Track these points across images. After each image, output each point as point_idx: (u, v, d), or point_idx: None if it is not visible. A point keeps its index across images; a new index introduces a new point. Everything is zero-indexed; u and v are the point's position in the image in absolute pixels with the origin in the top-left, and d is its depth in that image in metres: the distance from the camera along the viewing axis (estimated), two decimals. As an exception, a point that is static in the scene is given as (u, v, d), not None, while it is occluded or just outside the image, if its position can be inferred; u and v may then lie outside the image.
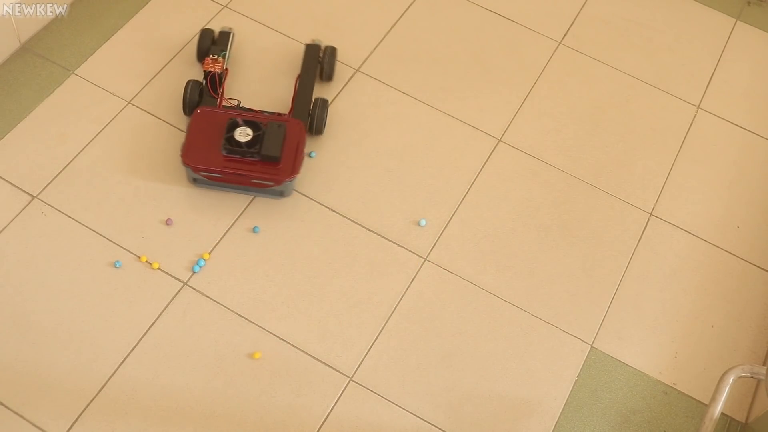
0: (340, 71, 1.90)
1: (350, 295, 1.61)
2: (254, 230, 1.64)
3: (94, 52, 1.88)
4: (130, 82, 1.84)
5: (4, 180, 1.68)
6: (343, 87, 1.88)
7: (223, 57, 1.80)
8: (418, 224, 1.71)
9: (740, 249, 1.77)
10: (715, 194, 1.85)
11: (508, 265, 1.69)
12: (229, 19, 1.96)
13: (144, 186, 1.70)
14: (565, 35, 2.06)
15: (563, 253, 1.71)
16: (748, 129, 1.96)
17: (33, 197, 1.66)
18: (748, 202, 1.84)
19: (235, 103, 1.78)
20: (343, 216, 1.71)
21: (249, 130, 1.64)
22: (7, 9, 1.78)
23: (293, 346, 1.55)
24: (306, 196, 1.73)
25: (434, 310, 1.62)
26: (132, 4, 1.97)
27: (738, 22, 2.15)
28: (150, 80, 1.85)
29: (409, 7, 2.05)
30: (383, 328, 1.59)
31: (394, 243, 1.69)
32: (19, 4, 1.80)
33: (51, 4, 1.89)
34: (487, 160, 1.82)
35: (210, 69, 1.78)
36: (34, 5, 1.84)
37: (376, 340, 1.57)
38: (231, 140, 1.63)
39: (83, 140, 1.74)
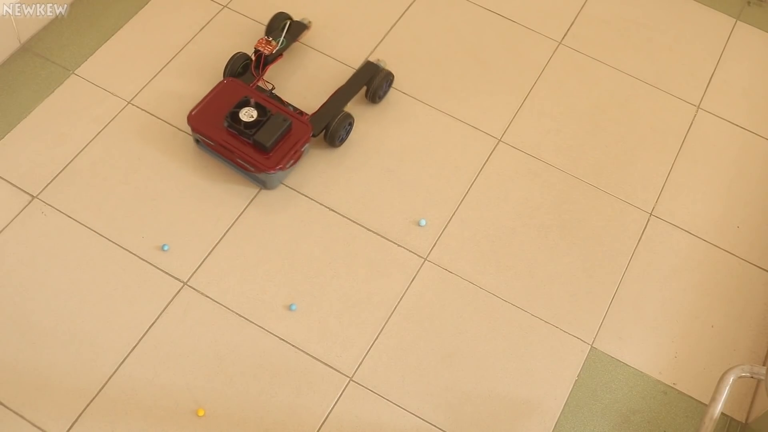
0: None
1: (350, 295, 1.61)
2: (290, 308, 1.60)
3: (94, 52, 1.88)
4: (130, 82, 1.84)
5: (4, 180, 1.68)
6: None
7: (278, 42, 1.81)
8: (418, 224, 1.71)
9: (740, 249, 1.77)
10: (715, 194, 1.85)
11: (508, 265, 1.69)
12: (228, 19, 1.97)
13: (144, 186, 1.70)
14: (565, 35, 2.06)
15: (563, 253, 1.71)
16: (748, 129, 1.96)
17: (33, 197, 1.66)
18: (748, 202, 1.84)
19: (270, 87, 1.81)
20: (343, 216, 1.71)
21: (254, 112, 1.66)
22: (7, 9, 1.78)
23: (293, 346, 1.55)
24: (306, 196, 1.73)
25: (434, 310, 1.62)
26: (132, 4, 1.97)
27: (738, 22, 2.15)
28: (150, 80, 1.85)
29: (408, 7, 2.05)
30: (383, 328, 1.59)
31: (394, 243, 1.69)
32: (19, 4, 1.80)
33: (51, 4, 1.89)
34: (487, 160, 1.82)
35: (260, 48, 1.80)
36: (34, 5, 1.84)
37: (376, 340, 1.57)
38: (234, 116, 1.66)
39: (83, 140, 1.74)
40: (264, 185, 1.71)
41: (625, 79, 2.00)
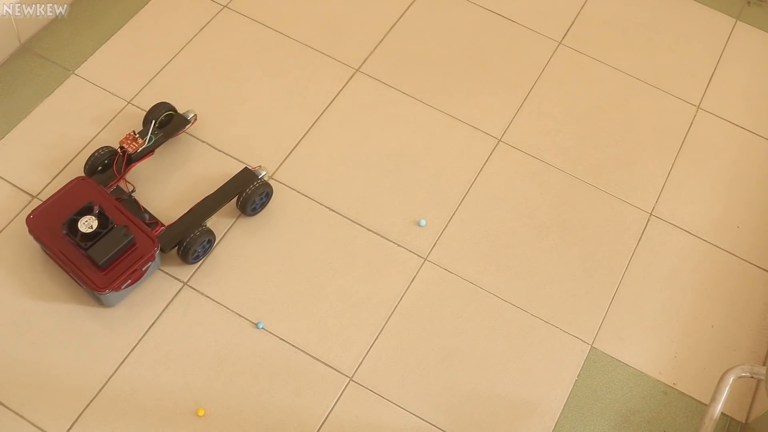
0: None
1: (350, 295, 1.61)
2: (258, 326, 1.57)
3: (94, 52, 1.88)
4: (130, 82, 1.84)
5: (4, 180, 1.68)
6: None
7: (145, 140, 1.65)
8: (418, 224, 1.71)
9: (740, 249, 1.77)
10: (715, 194, 1.85)
11: (508, 265, 1.69)
12: (229, 20, 1.96)
13: (144, 186, 1.69)
14: (565, 35, 2.06)
15: (563, 253, 1.71)
16: (748, 129, 1.96)
17: (33, 197, 1.66)
18: (748, 202, 1.84)
19: (130, 189, 1.64)
20: (343, 216, 1.71)
21: (95, 222, 1.48)
22: (7, 9, 1.78)
23: (293, 346, 1.55)
24: (306, 196, 1.72)
25: (434, 310, 1.62)
26: (132, 4, 1.97)
27: (738, 22, 2.15)
28: (150, 80, 1.85)
29: (409, 7, 2.05)
30: (383, 328, 1.59)
31: (394, 243, 1.69)
32: (19, 4, 1.80)
33: (51, 4, 1.89)
34: (487, 160, 1.82)
35: (124, 145, 1.64)
36: (34, 5, 1.84)
37: (376, 340, 1.57)
38: (72, 224, 1.48)
39: (83, 140, 1.74)
40: (99, 302, 1.54)
41: (625, 79, 2.00)
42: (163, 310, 1.56)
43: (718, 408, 1.24)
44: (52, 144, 1.73)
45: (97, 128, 1.76)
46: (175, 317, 1.55)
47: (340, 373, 1.53)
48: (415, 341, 1.58)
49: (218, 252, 1.63)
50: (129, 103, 1.81)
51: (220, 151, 1.76)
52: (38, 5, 1.86)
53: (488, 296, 1.64)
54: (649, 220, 1.79)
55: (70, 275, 1.54)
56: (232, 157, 1.75)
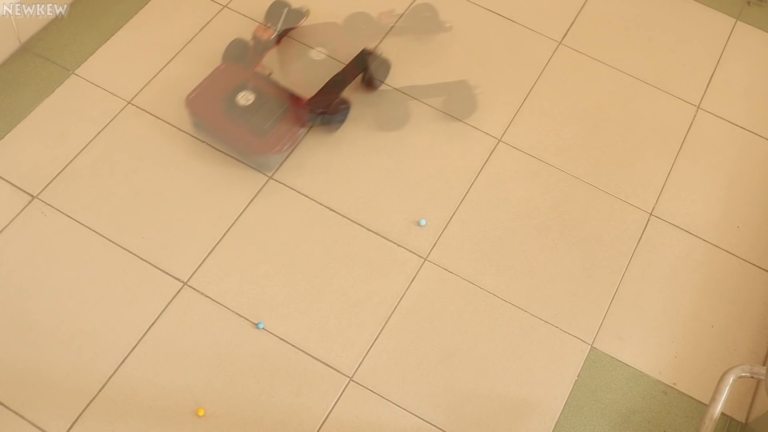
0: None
1: (350, 295, 1.61)
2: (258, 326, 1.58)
3: (94, 52, 1.88)
4: (130, 82, 1.84)
5: (4, 180, 1.68)
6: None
7: (275, 28, 1.84)
8: (418, 224, 1.71)
9: (740, 249, 1.77)
10: (715, 194, 1.85)
11: (508, 265, 1.69)
12: (229, 20, 1.96)
13: (144, 186, 1.70)
14: (565, 35, 2.06)
15: (563, 253, 1.71)
16: (748, 129, 1.96)
17: (33, 197, 1.66)
18: (748, 202, 1.84)
19: (267, 72, 1.81)
20: (343, 216, 1.71)
21: (252, 96, 1.71)
22: (7, 9, 1.78)
23: (293, 346, 1.55)
24: (306, 196, 1.73)
25: (434, 310, 1.62)
26: (132, 4, 1.97)
27: (738, 22, 2.15)
28: (150, 80, 1.85)
29: (408, 8, 2.05)
30: (383, 328, 1.59)
31: (394, 243, 1.69)
32: (19, 4, 1.80)
33: (51, 4, 1.89)
34: (487, 160, 1.82)
35: (258, 34, 1.83)
36: (34, 5, 1.84)
37: (376, 340, 1.57)
38: (231, 100, 1.69)
39: (83, 140, 1.74)
40: (260, 165, 1.73)
41: (625, 79, 2.00)
42: (163, 310, 1.56)
43: (718, 408, 1.24)
44: (52, 144, 1.73)
45: (97, 128, 1.76)
46: (175, 317, 1.55)
47: (340, 373, 1.53)
48: (415, 341, 1.58)
49: (218, 252, 1.63)
50: (129, 103, 1.81)
51: (221, 151, 1.76)
52: (38, 5, 1.86)
53: (488, 296, 1.64)
54: (649, 220, 1.79)
55: (232, 145, 1.73)
56: (232, 157, 1.75)
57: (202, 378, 1.50)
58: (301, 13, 1.93)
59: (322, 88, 1.79)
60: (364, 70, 1.85)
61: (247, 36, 1.86)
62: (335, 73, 1.83)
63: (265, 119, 1.69)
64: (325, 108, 1.77)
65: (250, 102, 1.69)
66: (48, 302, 1.54)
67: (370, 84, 1.86)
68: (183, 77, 1.85)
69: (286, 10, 1.90)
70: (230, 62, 1.80)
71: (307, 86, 1.82)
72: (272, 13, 1.90)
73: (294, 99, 1.76)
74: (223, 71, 1.77)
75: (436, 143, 1.83)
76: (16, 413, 1.43)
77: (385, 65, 1.88)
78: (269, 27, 1.84)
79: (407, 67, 1.94)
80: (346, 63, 1.85)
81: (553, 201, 1.78)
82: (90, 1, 1.96)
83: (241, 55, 1.83)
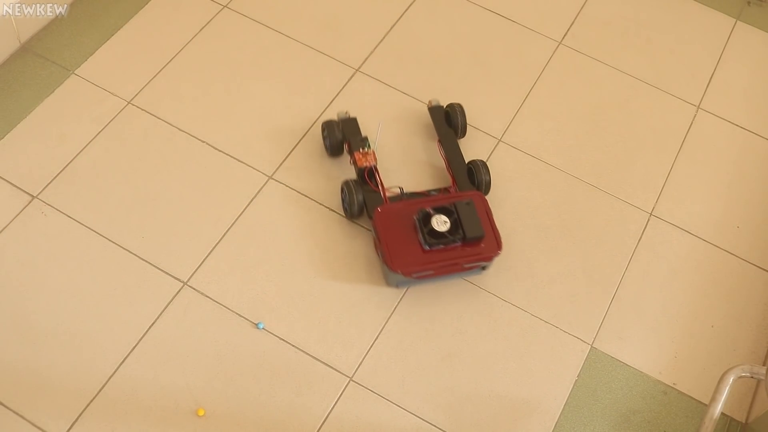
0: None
1: (350, 295, 1.61)
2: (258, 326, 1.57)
3: (94, 52, 1.88)
4: (130, 82, 1.84)
5: (4, 180, 1.68)
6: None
7: (371, 148, 1.70)
8: (418, 224, 1.71)
9: (740, 249, 1.77)
10: (714, 194, 1.85)
11: (508, 266, 1.68)
12: (229, 20, 1.96)
13: (144, 186, 1.70)
14: (565, 35, 2.06)
15: (563, 253, 1.71)
16: (748, 129, 1.96)
17: (33, 197, 1.66)
18: (748, 202, 1.84)
19: (398, 191, 1.68)
20: (343, 216, 1.71)
21: (444, 217, 1.57)
22: (7, 9, 1.78)
23: (293, 346, 1.55)
24: (306, 196, 1.72)
25: (435, 310, 1.62)
26: (132, 4, 1.97)
27: (738, 22, 2.15)
28: (150, 80, 1.85)
29: (408, 7, 2.05)
30: (383, 328, 1.59)
31: (394, 243, 1.68)
32: (19, 4, 1.80)
33: (51, 4, 1.89)
34: (486, 160, 1.82)
35: (364, 164, 1.68)
36: (34, 5, 1.84)
37: (376, 340, 1.57)
38: (433, 232, 1.56)
39: (83, 140, 1.74)
40: (484, 268, 1.64)
41: (625, 80, 2.00)
42: (163, 310, 1.56)
43: (718, 408, 1.24)
44: (52, 144, 1.73)
45: (97, 128, 1.76)
46: (175, 317, 1.55)
47: (340, 373, 1.53)
48: (415, 341, 1.58)
49: (218, 252, 1.63)
50: (129, 103, 1.81)
51: (221, 151, 1.76)
52: (38, 5, 1.86)
53: (488, 296, 1.64)
54: (649, 220, 1.79)
55: (459, 272, 1.61)
56: (232, 157, 1.75)
57: (202, 378, 1.50)
58: (353, 120, 1.76)
59: (448, 165, 1.72)
60: (449, 123, 1.79)
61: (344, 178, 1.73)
62: (437, 144, 1.77)
63: (473, 226, 1.56)
64: (476, 178, 1.70)
65: (448, 222, 1.56)
66: (48, 302, 1.54)
67: (464, 133, 1.81)
68: (183, 77, 1.85)
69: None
70: (380, 207, 1.61)
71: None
72: (350, 136, 1.72)
73: (456, 193, 1.67)
74: (382, 216, 1.60)
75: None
76: (16, 413, 1.43)
77: (460, 110, 1.79)
78: (367, 152, 1.69)
79: (409, 72, 1.94)
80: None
81: (553, 201, 1.78)
82: (90, 1, 1.96)
83: (361, 205, 1.66)
